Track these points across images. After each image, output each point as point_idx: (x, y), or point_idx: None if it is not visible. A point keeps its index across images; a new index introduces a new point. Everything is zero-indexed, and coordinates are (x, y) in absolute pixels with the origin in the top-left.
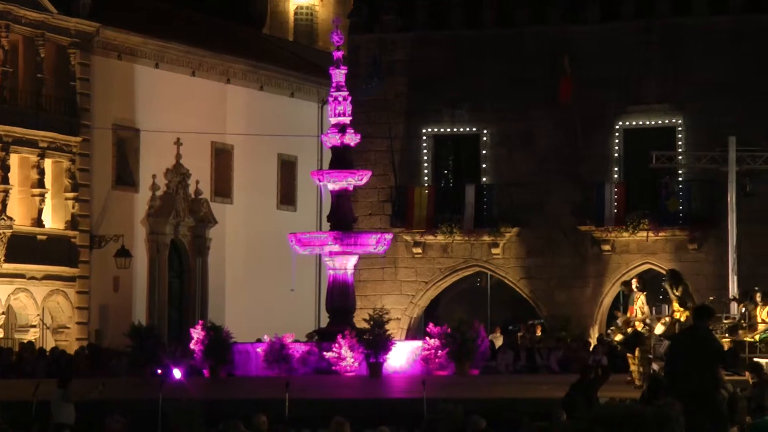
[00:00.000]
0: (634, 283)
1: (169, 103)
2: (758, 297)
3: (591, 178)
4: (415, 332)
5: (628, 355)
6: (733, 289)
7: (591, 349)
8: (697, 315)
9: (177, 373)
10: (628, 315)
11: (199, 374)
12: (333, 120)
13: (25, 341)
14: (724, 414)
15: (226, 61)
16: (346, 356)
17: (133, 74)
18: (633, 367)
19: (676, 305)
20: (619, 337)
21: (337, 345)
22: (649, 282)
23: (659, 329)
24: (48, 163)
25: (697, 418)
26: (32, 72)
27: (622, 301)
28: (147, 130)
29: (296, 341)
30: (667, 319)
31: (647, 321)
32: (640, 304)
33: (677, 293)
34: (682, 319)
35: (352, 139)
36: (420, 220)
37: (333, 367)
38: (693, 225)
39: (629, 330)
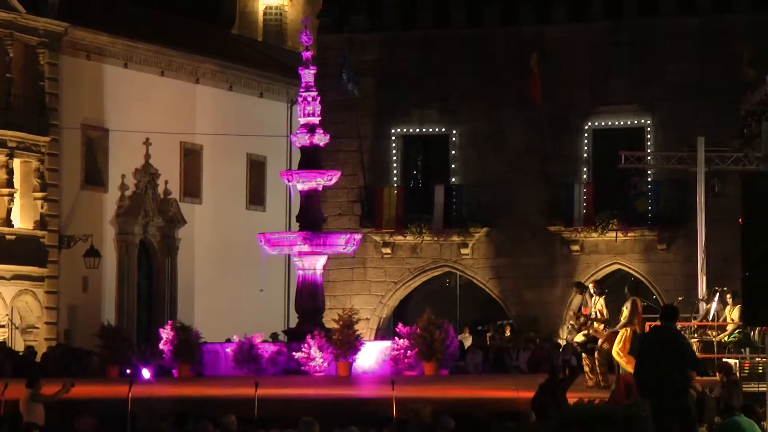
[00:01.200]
0: (591, 288)
1: (138, 102)
2: (728, 297)
3: (560, 178)
4: (384, 332)
5: (585, 356)
6: (701, 289)
7: (561, 349)
8: (665, 316)
9: (146, 374)
10: (582, 314)
11: (168, 374)
12: (302, 120)
13: None
14: (693, 414)
15: (195, 61)
16: (316, 356)
17: (101, 74)
18: (587, 368)
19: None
20: (579, 338)
21: (306, 345)
22: (618, 282)
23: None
24: (17, 163)
25: (666, 417)
26: (1, 71)
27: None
28: (116, 129)
29: (265, 341)
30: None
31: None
32: (599, 307)
33: (626, 311)
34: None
35: (321, 139)
36: (389, 220)
37: (302, 368)
38: (662, 225)
39: (590, 331)
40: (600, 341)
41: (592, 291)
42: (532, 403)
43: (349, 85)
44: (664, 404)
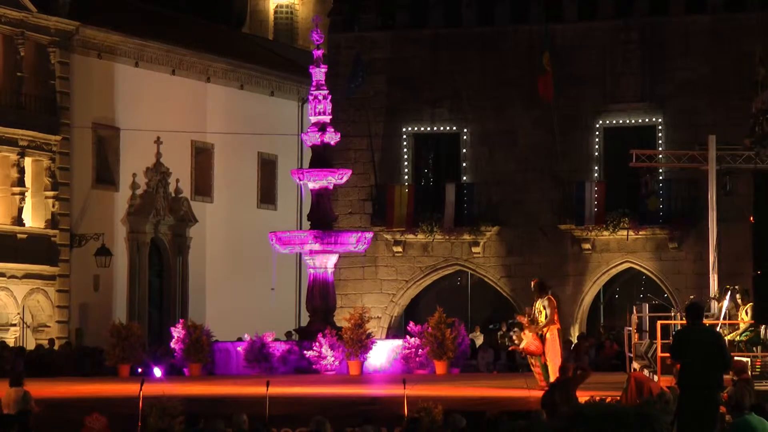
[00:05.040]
0: (532, 285)
1: (149, 101)
2: (738, 296)
3: (571, 176)
4: (395, 331)
5: (530, 357)
6: (713, 287)
7: (571, 347)
8: (695, 315)
9: (157, 372)
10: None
11: (179, 373)
12: (313, 119)
13: (7, 341)
14: (717, 414)
15: (206, 60)
16: (327, 355)
17: (112, 73)
18: (534, 369)
19: (542, 318)
20: (525, 343)
21: (317, 344)
22: (630, 281)
23: (524, 343)
24: (28, 162)
25: (694, 414)
26: (12, 70)
27: (602, 301)
28: (127, 128)
29: (277, 340)
30: (529, 334)
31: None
32: (539, 306)
33: (545, 307)
34: (548, 336)
35: (332, 137)
36: (400, 218)
37: (313, 366)
38: (673, 223)
39: (514, 339)
40: (523, 344)
41: (533, 288)
42: (542, 400)
43: (356, 83)
44: (696, 402)
